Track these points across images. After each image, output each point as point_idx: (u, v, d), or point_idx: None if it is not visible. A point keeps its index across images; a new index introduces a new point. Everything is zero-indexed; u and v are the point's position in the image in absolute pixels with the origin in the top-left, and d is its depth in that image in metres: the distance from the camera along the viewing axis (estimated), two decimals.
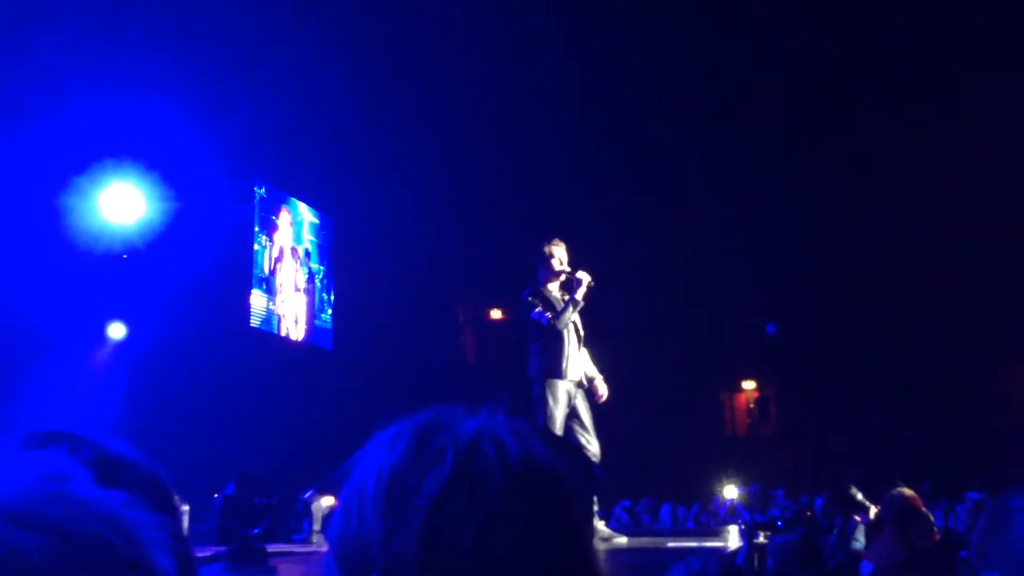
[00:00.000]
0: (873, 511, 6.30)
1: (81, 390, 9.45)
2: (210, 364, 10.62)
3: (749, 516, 7.44)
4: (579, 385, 5.80)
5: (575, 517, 0.79)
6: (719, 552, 4.99)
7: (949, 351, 15.27)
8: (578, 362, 5.82)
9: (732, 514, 10.61)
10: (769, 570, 4.24)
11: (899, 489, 5.17)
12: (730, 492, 13.04)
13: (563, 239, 6.13)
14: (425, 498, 0.74)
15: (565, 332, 5.76)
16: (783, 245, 15.49)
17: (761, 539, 5.67)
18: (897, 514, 4.92)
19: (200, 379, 10.39)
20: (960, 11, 11.74)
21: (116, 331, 10.28)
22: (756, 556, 5.16)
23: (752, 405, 18.81)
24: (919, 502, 5.01)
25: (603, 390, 5.87)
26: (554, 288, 5.91)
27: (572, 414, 5.70)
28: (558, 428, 5.59)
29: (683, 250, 15.71)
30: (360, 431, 0.87)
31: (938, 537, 5.17)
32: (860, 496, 6.70)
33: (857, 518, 6.63)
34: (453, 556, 0.73)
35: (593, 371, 5.92)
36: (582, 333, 5.90)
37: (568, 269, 5.88)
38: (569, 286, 5.87)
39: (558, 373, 5.70)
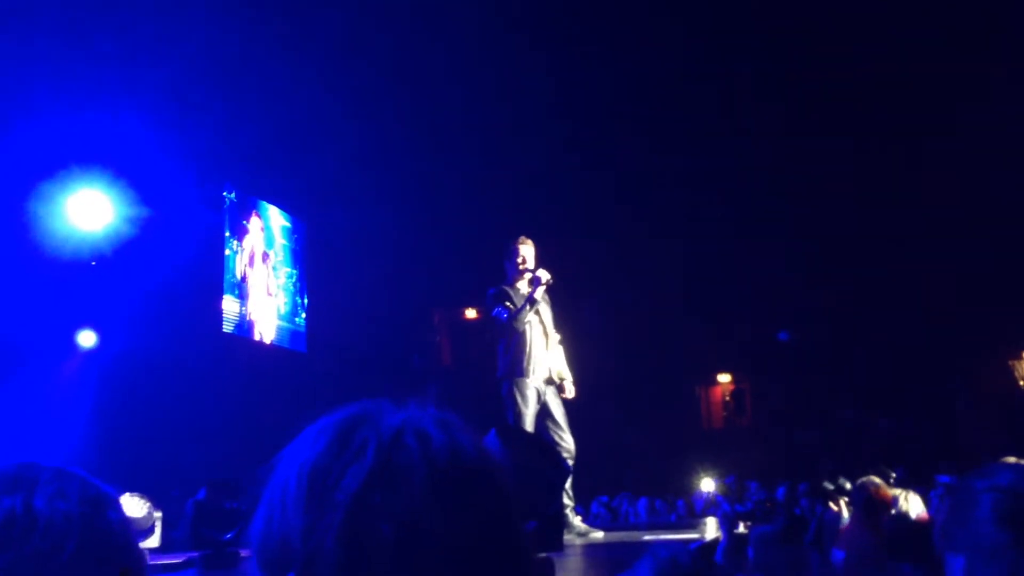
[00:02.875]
0: (844, 502, 6.38)
1: (51, 399, 9.34)
2: (182, 370, 10.54)
3: (729, 507, 7.49)
4: (548, 382, 5.80)
5: (504, 511, 0.78)
6: (692, 543, 5.03)
7: (921, 342, 15.44)
8: (544, 360, 5.81)
9: (711, 506, 10.67)
10: (750, 559, 4.28)
11: (868, 478, 5.24)
12: (707, 485, 13.12)
13: (536, 238, 6.13)
14: (345, 492, 0.73)
15: (528, 330, 5.75)
16: (757, 238, 15.58)
17: (741, 529, 5.71)
18: (866, 502, 4.99)
19: (172, 385, 10.31)
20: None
21: (86, 339, 10.18)
22: (736, 546, 5.19)
23: (727, 398, 18.93)
24: (886, 491, 5.09)
25: (570, 392, 5.88)
26: (521, 286, 5.92)
27: (544, 411, 5.71)
28: (528, 427, 5.60)
29: (657, 245, 15.77)
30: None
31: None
32: (832, 488, 6.77)
33: (835, 508, 6.71)
34: (374, 550, 0.71)
35: (565, 371, 5.93)
36: (550, 331, 5.90)
37: (531, 267, 5.87)
38: (534, 284, 5.88)
39: (521, 372, 5.69)
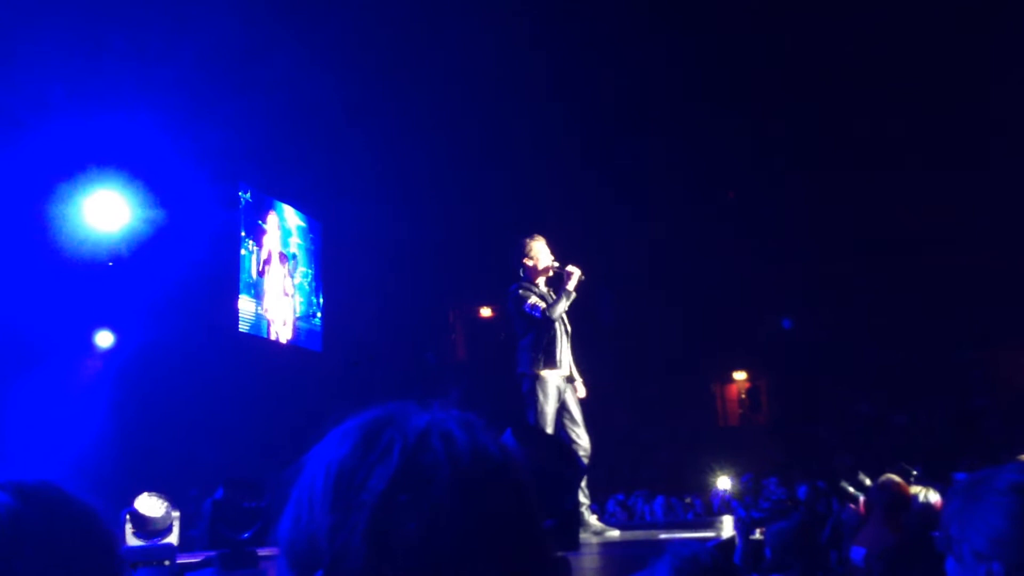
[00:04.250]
0: (862, 500, 6.34)
1: (69, 399, 9.41)
2: (199, 370, 10.60)
3: (744, 512, 7.45)
4: (569, 379, 5.83)
5: (525, 510, 0.79)
6: (709, 541, 5.01)
7: (938, 337, 15.35)
8: (568, 356, 5.86)
9: (725, 507, 10.64)
10: (767, 559, 4.25)
11: (888, 475, 5.21)
12: (723, 483, 13.08)
13: (551, 235, 6.19)
14: (372, 492, 0.75)
15: (557, 325, 5.80)
16: (772, 237, 15.54)
17: (757, 535, 5.69)
18: (886, 500, 4.96)
19: (189, 385, 10.37)
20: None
21: (103, 339, 10.25)
22: (752, 552, 5.17)
23: (743, 395, 18.88)
24: (906, 487, 5.05)
25: (582, 392, 5.90)
26: (541, 282, 5.96)
27: (562, 408, 5.73)
28: (549, 423, 5.61)
29: (673, 242, 15.74)
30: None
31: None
32: (851, 488, 6.73)
33: (853, 505, 6.67)
34: (400, 549, 0.73)
35: (575, 371, 5.95)
36: (569, 328, 5.94)
37: (556, 263, 5.92)
38: (556, 280, 5.91)
39: (552, 364, 5.73)
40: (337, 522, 0.75)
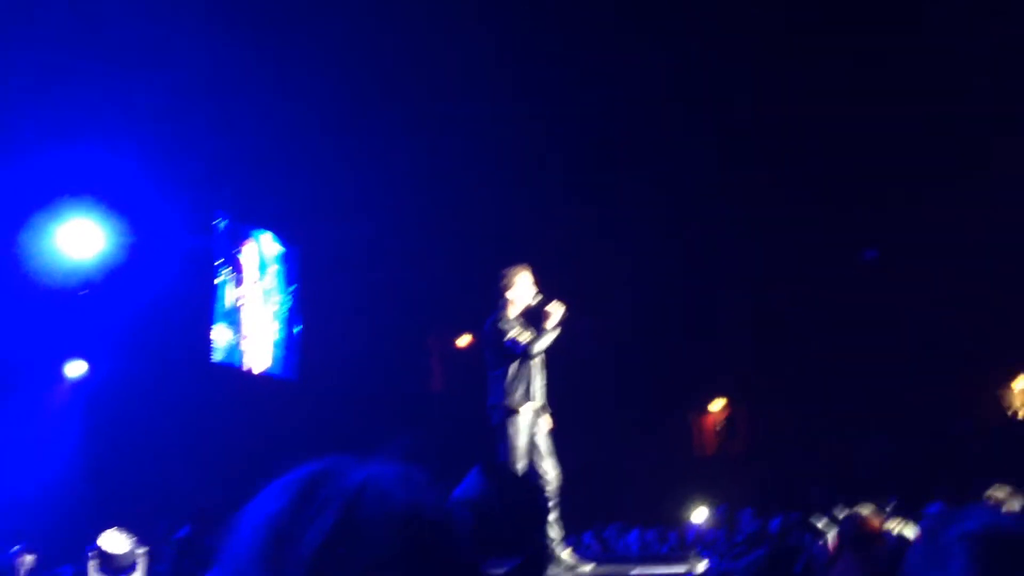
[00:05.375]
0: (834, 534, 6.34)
1: (38, 430, 9.29)
2: (172, 400, 10.50)
3: (717, 560, 7.41)
4: (539, 412, 5.79)
5: (462, 567, 0.79)
6: None
7: (917, 366, 15.45)
8: (542, 389, 5.82)
9: (699, 541, 10.61)
10: None
11: (857, 509, 5.21)
12: (698, 515, 13.03)
13: (529, 263, 6.13)
14: (307, 549, 0.74)
15: (534, 358, 5.75)
16: (747, 264, 15.62)
17: None
18: (855, 535, 4.96)
19: (161, 415, 10.27)
20: None
21: (75, 368, 10.14)
22: None
23: (720, 425, 18.88)
24: (876, 521, 5.05)
25: (549, 423, 5.86)
26: (518, 314, 5.90)
27: (532, 441, 5.68)
28: (521, 456, 5.57)
29: (650, 270, 15.79)
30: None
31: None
32: (820, 524, 6.73)
33: (825, 539, 6.66)
34: None
35: (546, 403, 5.90)
36: (543, 360, 5.89)
37: (540, 296, 5.86)
38: (537, 313, 5.86)
39: (527, 397, 5.68)
40: None
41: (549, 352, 5.92)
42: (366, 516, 0.76)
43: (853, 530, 4.89)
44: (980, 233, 14.02)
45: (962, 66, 12.37)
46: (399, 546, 0.75)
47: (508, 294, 5.88)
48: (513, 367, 5.71)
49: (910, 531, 5.78)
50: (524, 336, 5.75)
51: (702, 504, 13.83)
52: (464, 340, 16.27)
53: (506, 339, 5.72)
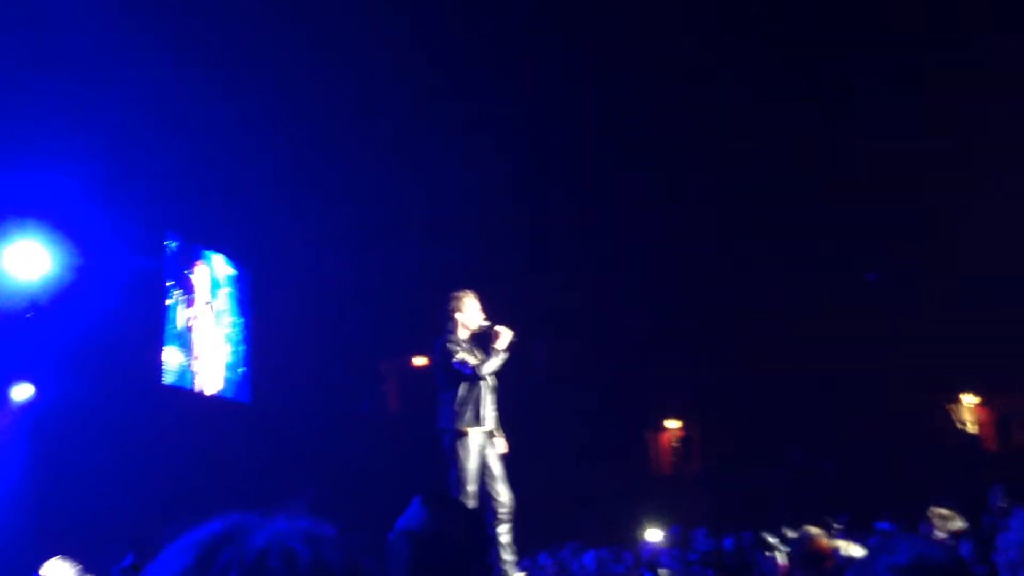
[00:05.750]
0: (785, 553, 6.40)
1: None
2: (121, 423, 10.29)
3: (672, 561, 7.45)
4: (490, 435, 5.78)
5: None
6: None
7: (871, 384, 15.68)
8: (492, 411, 5.81)
9: (654, 559, 10.63)
10: None
11: (806, 528, 5.26)
12: (652, 535, 13.06)
13: (482, 284, 6.16)
14: None
15: (483, 381, 5.75)
16: (702, 284, 15.77)
17: None
18: (804, 554, 5.01)
19: (111, 439, 10.05)
20: None
21: (21, 392, 9.90)
22: None
23: (676, 444, 18.98)
24: (825, 540, 5.10)
25: (503, 448, 5.86)
26: (466, 337, 5.91)
27: (483, 464, 5.66)
28: (471, 480, 5.55)
29: (607, 288, 15.89)
30: (284, 486, 0.84)
31: None
32: (772, 540, 6.79)
33: (777, 559, 6.72)
34: None
35: (497, 427, 5.91)
36: (495, 384, 5.90)
37: (487, 322, 5.87)
38: (485, 337, 5.86)
39: (476, 420, 5.67)
40: None
41: (504, 374, 5.92)
42: None
43: (803, 549, 4.94)
44: (927, 256, 14.33)
45: None
46: None
47: (456, 316, 5.89)
48: (463, 390, 5.70)
49: (856, 550, 5.84)
50: (472, 359, 5.75)
51: (657, 524, 13.86)
52: (420, 360, 16.22)
53: (454, 361, 5.72)
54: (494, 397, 5.86)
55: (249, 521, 0.79)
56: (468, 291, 6.03)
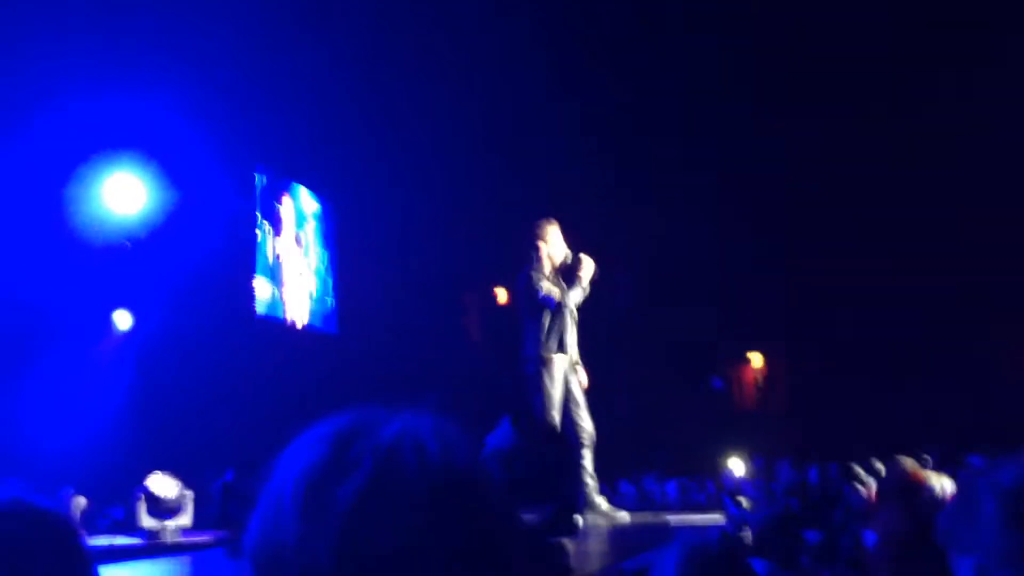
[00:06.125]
0: (874, 485, 6.31)
1: (87, 379, 9.52)
2: (215, 351, 10.67)
3: (737, 511, 7.41)
4: (574, 365, 5.81)
5: (496, 520, 0.78)
6: (718, 528, 5.02)
7: (951, 321, 15.24)
8: (575, 341, 5.83)
9: (736, 489, 10.65)
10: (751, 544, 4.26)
11: (901, 459, 5.17)
12: (735, 465, 13.04)
13: (563, 218, 6.11)
14: (341, 503, 0.73)
15: (566, 311, 5.76)
16: (786, 219, 15.44)
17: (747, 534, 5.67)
18: (899, 486, 4.92)
19: (206, 366, 10.44)
20: None
21: (122, 320, 10.34)
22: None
23: (759, 377, 18.80)
24: (920, 472, 5.01)
25: (584, 380, 5.88)
26: (550, 267, 5.90)
27: (566, 392, 5.71)
28: (556, 407, 5.60)
29: (689, 225, 15.68)
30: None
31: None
32: (862, 472, 6.70)
33: (864, 490, 6.64)
34: (368, 563, 0.72)
35: (578, 358, 5.92)
36: (577, 315, 5.90)
37: (570, 252, 5.86)
38: (569, 267, 5.85)
39: (561, 348, 5.70)
40: (305, 532, 0.73)
41: (585, 307, 5.92)
42: (402, 470, 0.75)
43: (896, 480, 4.85)
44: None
45: None
46: (433, 501, 0.74)
47: (541, 246, 5.88)
48: (547, 319, 5.72)
49: (948, 484, 5.72)
50: (557, 290, 5.75)
51: (740, 455, 13.82)
52: (501, 293, 16.33)
53: (539, 293, 5.73)
54: (576, 328, 5.87)
55: (378, 415, 0.80)
56: (551, 220, 5.99)
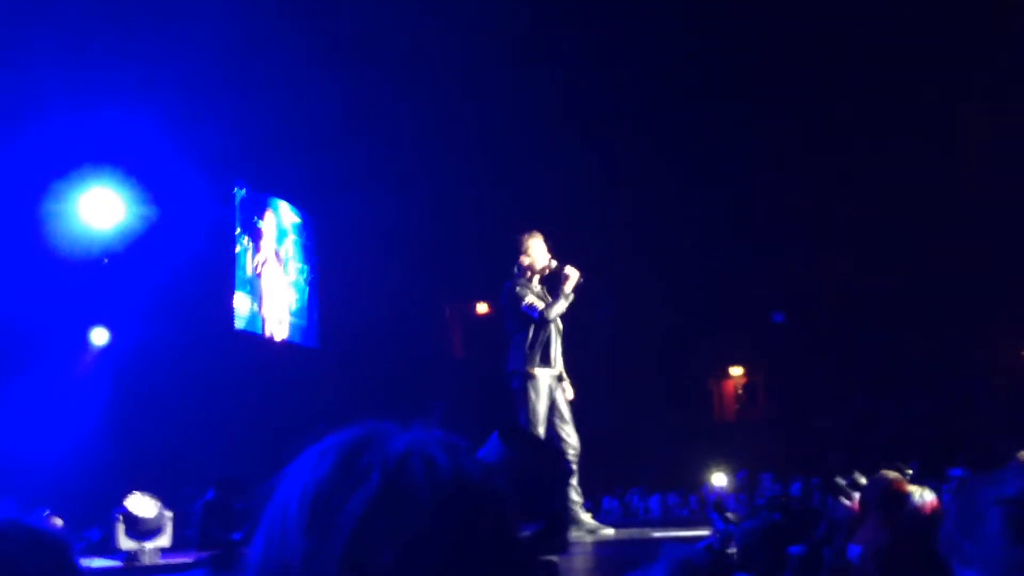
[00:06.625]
0: (857, 497, 6.33)
1: (64, 396, 9.40)
2: (194, 367, 10.57)
3: (723, 524, 7.41)
4: (559, 378, 5.80)
5: (506, 536, 0.77)
6: (703, 540, 4.99)
7: (934, 329, 15.35)
8: (560, 355, 5.84)
9: (716, 508, 10.66)
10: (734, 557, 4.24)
11: (884, 472, 5.19)
12: (718, 479, 13.07)
13: (545, 231, 6.13)
14: (349, 517, 0.72)
15: (552, 324, 5.77)
16: (765, 231, 15.52)
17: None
18: (881, 497, 4.94)
19: (185, 383, 10.35)
20: None
21: (99, 337, 10.23)
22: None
23: (740, 391, 18.87)
24: (903, 484, 5.03)
25: (570, 393, 5.88)
26: (535, 280, 5.91)
27: (552, 407, 5.70)
28: (541, 421, 5.59)
29: (670, 237, 15.73)
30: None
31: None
32: (844, 482, 6.72)
33: (847, 502, 6.66)
34: None
35: (564, 371, 5.92)
36: (562, 328, 5.91)
37: (555, 262, 5.87)
38: (552, 278, 5.87)
39: (546, 362, 5.70)
40: (312, 547, 0.72)
41: (566, 319, 5.92)
42: (411, 484, 0.74)
43: (880, 492, 4.87)
44: (995, 201, 13.88)
45: None
46: (443, 516, 0.73)
47: (524, 259, 5.89)
48: (532, 332, 5.72)
49: (929, 496, 5.75)
50: (540, 302, 5.76)
51: (722, 469, 13.86)
52: (483, 307, 16.32)
53: (523, 304, 5.73)
54: (561, 340, 5.87)
55: (388, 428, 0.79)
56: (534, 232, 6.01)
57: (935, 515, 5.27)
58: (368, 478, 0.74)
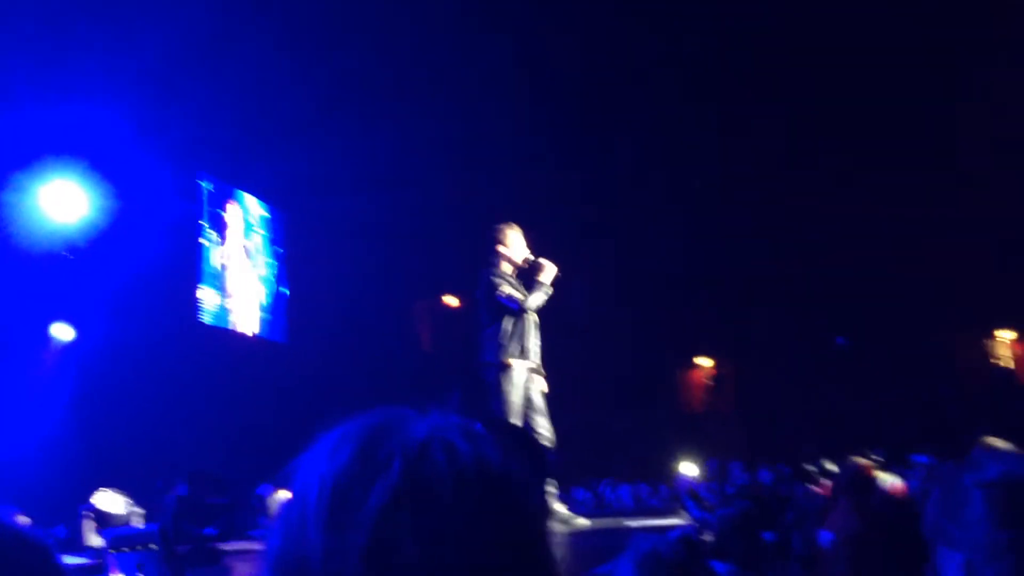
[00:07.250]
0: (827, 484, 6.41)
1: (28, 393, 9.24)
2: (161, 362, 10.45)
3: (700, 512, 7.49)
4: (534, 370, 5.79)
5: (529, 523, 0.76)
6: (673, 530, 5.03)
7: (900, 323, 15.57)
8: (536, 347, 5.81)
9: (690, 494, 10.78)
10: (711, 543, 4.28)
11: (854, 459, 5.27)
12: (688, 469, 13.16)
13: (516, 223, 6.10)
14: (371, 510, 0.70)
15: (528, 315, 5.74)
16: (736, 221, 15.62)
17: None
18: (851, 483, 5.01)
19: (151, 377, 10.22)
20: None
21: (62, 332, 10.05)
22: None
23: (708, 381, 19.01)
24: (872, 470, 5.10)
25: (544, 386, 5.86)
26: (510, 271, 5.87)
27: (527, 399, 5.68)
28: (516, 413, 5.57)
29: (639, 229, 15.79)
30: (317, 424, 0.82)
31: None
32: (814, 469, 6.81)
33: (817, 489, 6.75)
34: (400, 570, 0.68)
35: (539, 363, 5.90)
36: (538, 320, 5.88)
37: (531, 255, 5.84)
38: (527, 271, 5.84)
39: (521, 354, 5.67)
40: (332, 542, 0.70)
41: (540, 313, 5.90)
42: (433, 472, 0.71)
43: (850, 478, 4.94)
44: (959, 198, 14.09)
45: None
46: (466, 505, 0.71)
47: (500, 250, 5.85)
48: (508, 323, 5.69)
49: (898, 481, 5.84)
50: (518, 293, 5.73)
51: (692, 459, 13.95)
52: (452, 300, 16.29)
53: (500, 295, 5.70)
54: (538, 332, 5.85)
55: (405, 414, 0.77)
56: (512, 224, 5.98)
57: (903, 500, 5.36)
58: (389, 468, 0.71)
